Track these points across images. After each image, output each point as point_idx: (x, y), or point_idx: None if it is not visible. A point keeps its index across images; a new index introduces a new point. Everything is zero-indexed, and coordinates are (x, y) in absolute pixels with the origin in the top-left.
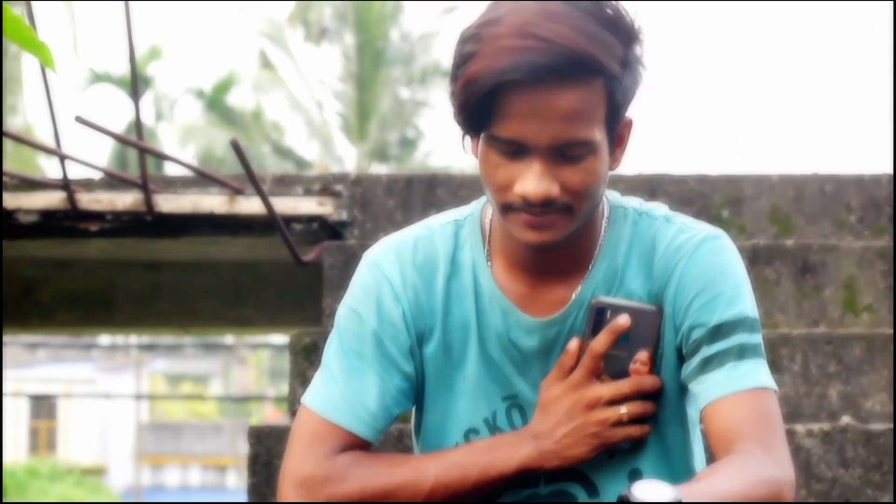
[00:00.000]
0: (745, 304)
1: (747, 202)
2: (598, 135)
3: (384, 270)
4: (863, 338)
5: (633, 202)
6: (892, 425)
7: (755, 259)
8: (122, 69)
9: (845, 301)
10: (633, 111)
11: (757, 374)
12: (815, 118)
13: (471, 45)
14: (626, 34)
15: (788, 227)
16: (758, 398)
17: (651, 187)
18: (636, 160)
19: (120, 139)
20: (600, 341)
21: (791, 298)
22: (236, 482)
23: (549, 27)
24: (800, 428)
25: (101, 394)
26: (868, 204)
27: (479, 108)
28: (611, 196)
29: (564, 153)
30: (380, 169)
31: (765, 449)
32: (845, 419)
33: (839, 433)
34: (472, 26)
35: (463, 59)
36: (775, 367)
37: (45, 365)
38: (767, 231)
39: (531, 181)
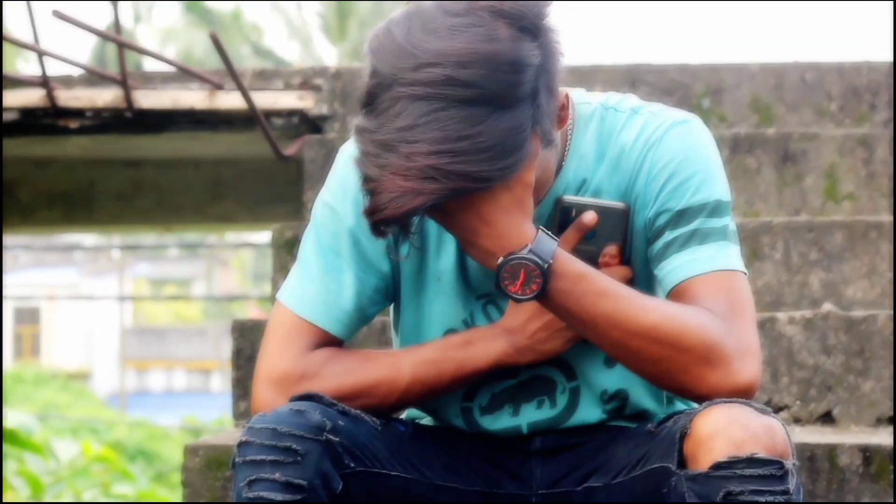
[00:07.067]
0: (715, 188)
1: (728, 91)
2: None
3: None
4: (844, 225)
5: (599, 97)
6: (873, 312)
7: (736, 148)
8: None
9: (826, 189)
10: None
11: (721, 255)
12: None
13: (369, 170)
14: (528, 63)
15: (769, 115)
16: (721, 279)
17: (631, 77)
18: (616, 50)
19: (98, 33)
20: (567, 238)
21: (772, 187)
22: (221, 385)
23: (447, 165)
24: (781, 316)
25: (85, 296)
26: (848, 92)
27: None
28: (576, 95)
29: None
30: None
31: (723, 320)
32: (827, 306)
33: (821, 320)
34: (364, 138)
35: (366, 183)
36: (756, 255)
37: (27, 270)
38: (748, 120)
39: None
